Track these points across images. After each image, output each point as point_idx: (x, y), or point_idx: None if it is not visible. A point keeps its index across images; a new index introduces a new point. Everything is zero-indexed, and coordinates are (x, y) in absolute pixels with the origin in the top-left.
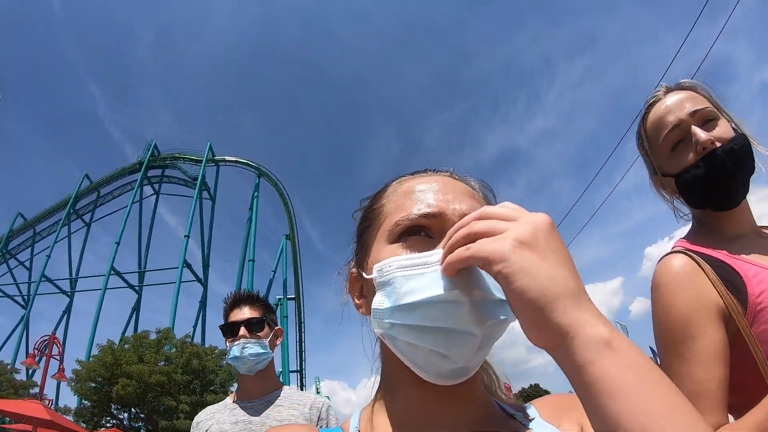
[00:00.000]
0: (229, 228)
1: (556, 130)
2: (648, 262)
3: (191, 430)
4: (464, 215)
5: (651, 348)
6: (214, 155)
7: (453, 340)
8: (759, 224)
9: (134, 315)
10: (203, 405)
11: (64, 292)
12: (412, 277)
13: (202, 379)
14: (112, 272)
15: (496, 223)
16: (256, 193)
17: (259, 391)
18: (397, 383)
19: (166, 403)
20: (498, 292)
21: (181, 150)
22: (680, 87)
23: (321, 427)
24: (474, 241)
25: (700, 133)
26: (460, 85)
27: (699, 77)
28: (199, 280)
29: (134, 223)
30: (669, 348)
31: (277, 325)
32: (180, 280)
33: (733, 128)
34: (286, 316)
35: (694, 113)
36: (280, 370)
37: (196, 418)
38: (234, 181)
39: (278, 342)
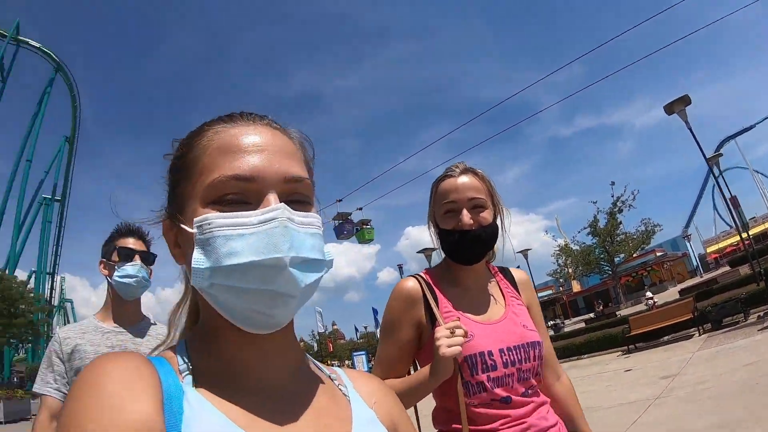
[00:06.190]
0: (12, 117)
1: (360, 94)
2: (405, 240)
3: (52, 344)
4: (283, 179)
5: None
6: (18, 34)
7: (274, 301)
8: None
9: None
10: (13, 326)
11: None
12: (231, 237)
13: (10, 307)
14: None
15: None
16: (49, 89)
17: (133, 317)
18: (216, 328)
19: None
20: (312, 253)
21: None
22: (473, 172)
23: None
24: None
25: (465, 217)
26: (291, 10)
27: (506, 109)
28: None
29: None
30: (381, 333)
31: None
32: None
33: (495, 214)
34: (50, 222)
35: (470, 200)
36: (34, 269)
37: (61, 333)
38: (27, 64)
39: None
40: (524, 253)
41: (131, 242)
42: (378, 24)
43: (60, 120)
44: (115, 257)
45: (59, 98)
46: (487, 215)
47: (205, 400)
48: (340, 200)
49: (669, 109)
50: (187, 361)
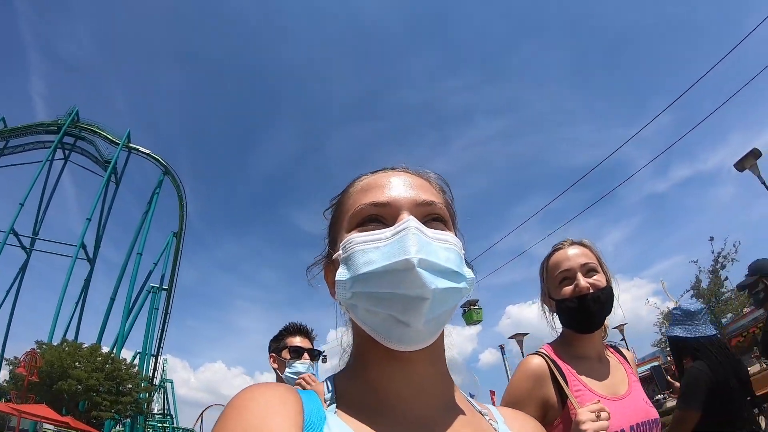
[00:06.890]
0: (125, 213)
1: (451, 177)
2: (507, 319)
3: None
4: (415, 203)
5: (490, 390)
6: (129, 141)
7: (406, 304)
8: (609, 340)
9: (20, 276)
10: (119, 403)
11: None
12: (368, 250)
13: (118, 386)
14: (11, 232)
15: None
16: (158, 190)
17: None
18: (364, 354)
19: (95, 399)
20: (446, 263)
21: (100, 125)
22: (580, 243)
23: None
24: None
25: (581, 280)
26: (379, 106)
27: (599, 172)
28: (89, 260)
29: (37, 183)
30: None
31: None
32: (76, 257)
33: (606, 280)
34: (157, 308)
35: (583, 265)
36: (138, 351)
37: None
38: (137, 167)
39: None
40: (620, 328)
41: (298, 341)
42: (461, 105)
43: (168, 216)
44: (285, 354)
45: (167, 198)
46: (601, 278)
47: (347, 426)
48: None
49: (740, 166)
50: (332, 389)
